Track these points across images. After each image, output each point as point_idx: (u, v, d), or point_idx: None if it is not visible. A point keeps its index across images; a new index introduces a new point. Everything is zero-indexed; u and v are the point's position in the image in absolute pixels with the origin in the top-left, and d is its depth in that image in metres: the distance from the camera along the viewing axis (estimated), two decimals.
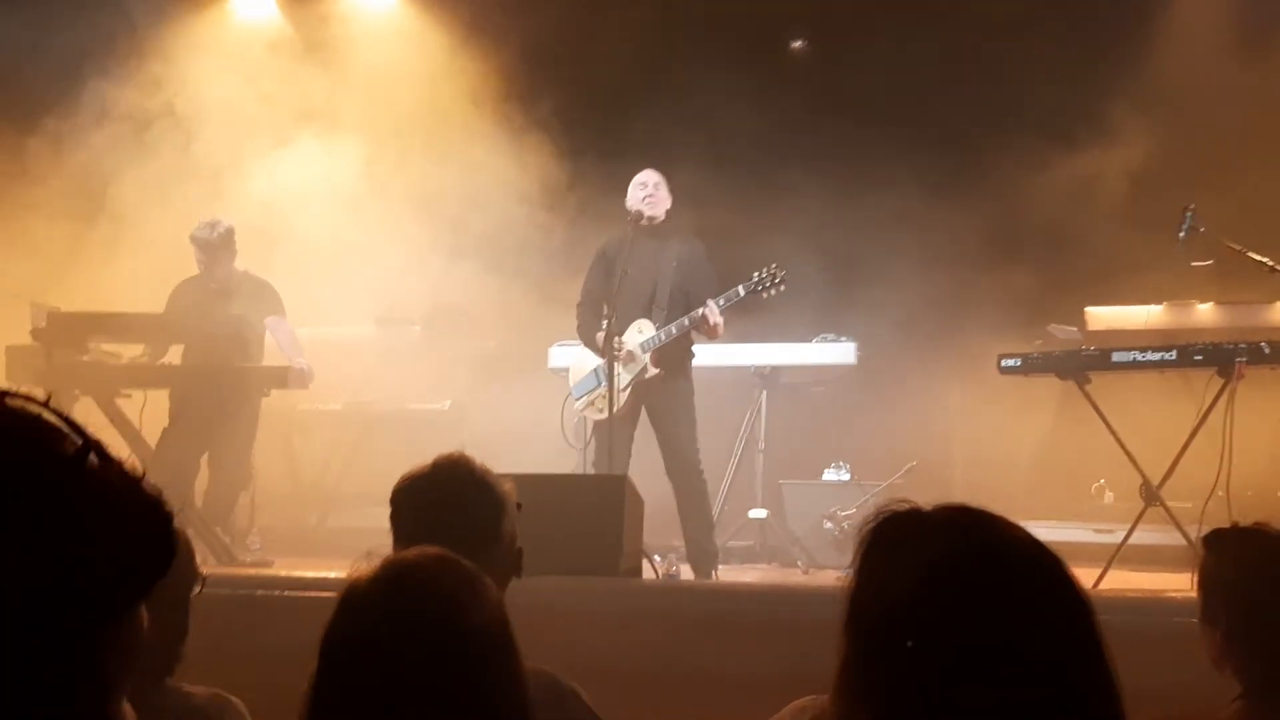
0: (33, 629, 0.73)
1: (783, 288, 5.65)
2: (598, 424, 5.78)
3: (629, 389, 5.71)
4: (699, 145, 7.25)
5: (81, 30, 7.47)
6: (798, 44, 8.82)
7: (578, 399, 5.94)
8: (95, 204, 7.45)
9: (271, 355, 6.42)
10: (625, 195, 5.95)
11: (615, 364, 5.56)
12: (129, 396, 5.92)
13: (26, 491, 0.74)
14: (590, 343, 5.83)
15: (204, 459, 6.19)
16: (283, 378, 6.05)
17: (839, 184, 7.33)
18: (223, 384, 6.00)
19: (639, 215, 5.77)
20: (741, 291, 5.65)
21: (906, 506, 1.24)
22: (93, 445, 0.78)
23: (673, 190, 5.96)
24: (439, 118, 7.93)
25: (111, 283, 6.95)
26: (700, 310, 5.58)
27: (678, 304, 5.70)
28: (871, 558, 1.23)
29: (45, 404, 0.80)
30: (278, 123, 7.83)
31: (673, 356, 5.72)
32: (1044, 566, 1.19)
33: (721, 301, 5.60)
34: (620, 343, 5.65)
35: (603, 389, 5.66)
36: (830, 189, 7.37)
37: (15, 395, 0.80)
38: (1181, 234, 5.28)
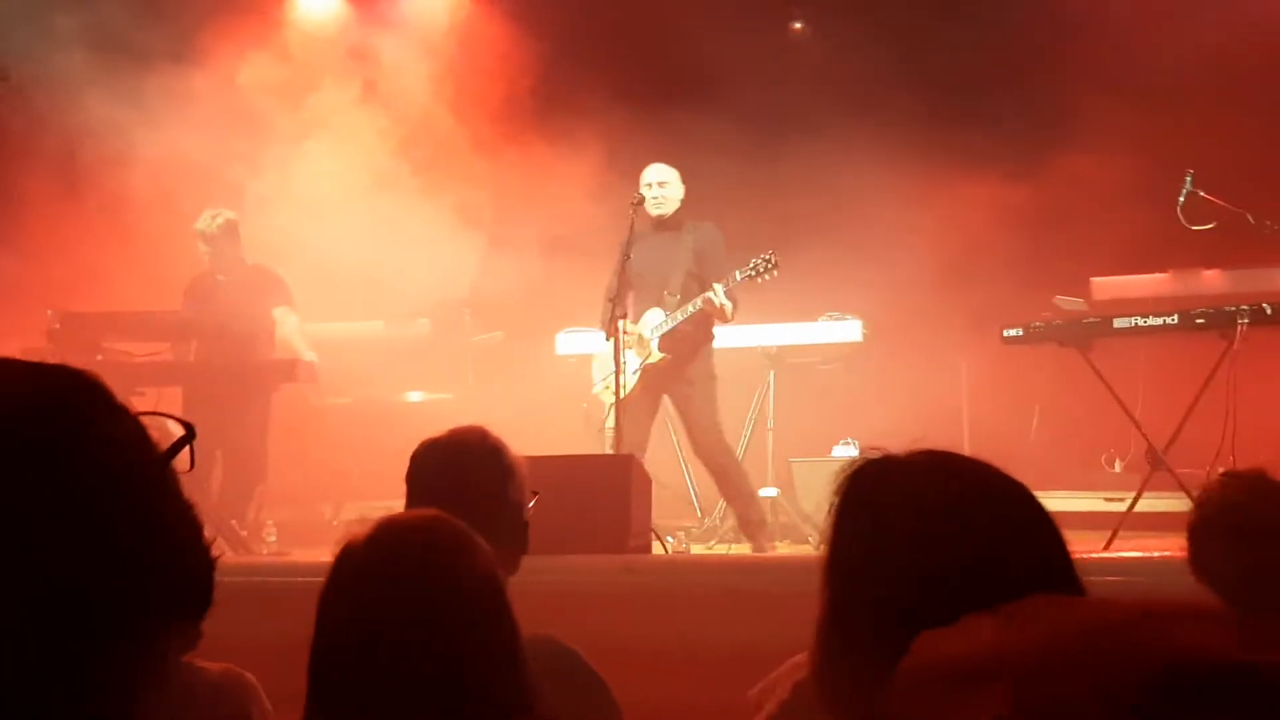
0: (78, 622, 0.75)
1: (776, 273, 5.79)
2: (613, 408, 5.88)
3: (638, 373, 5.81)
4: (699, 127, 7.27)
5: (92, 19, 7.50)
6: (798, 25, 8.84)
7: (597, 383, 6.07)
8: (112, 200, 7.49)
9: (279, 349, 6.49)
10: (631, 178, 6.10)
11: (622, 349, 5.69)
12: (143, 394, 5.98)
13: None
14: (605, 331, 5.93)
15: (217, 454, 6.25)
16: (291, 372, 6.11)
17: (842, 161, 7.34)
18: (234, 379, 6.07)
19: (649, 215, 5.93)
20: (738, 276, 5.80)
21: (879, 454, 1.27)
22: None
23: (682, 170, 6.08)
24: (445, 109, 7.96)
25: (127, 281, 7.01)
26: (706, 295, 5.73)
27: (690, 291, 5.86)
28: (849, 504, 1.26)
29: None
30: (293, 118, 7.85)
31: (684, 341, 5.85)
32: (1015, 496, 1.22)
33: (720, 288, 5.73)
34: (628, 329, 5.78)
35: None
36: (833, 166, 7.38)
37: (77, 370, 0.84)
38: (1181, 199, 5.29)
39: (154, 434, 0.83)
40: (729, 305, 5.77)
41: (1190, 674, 0.51)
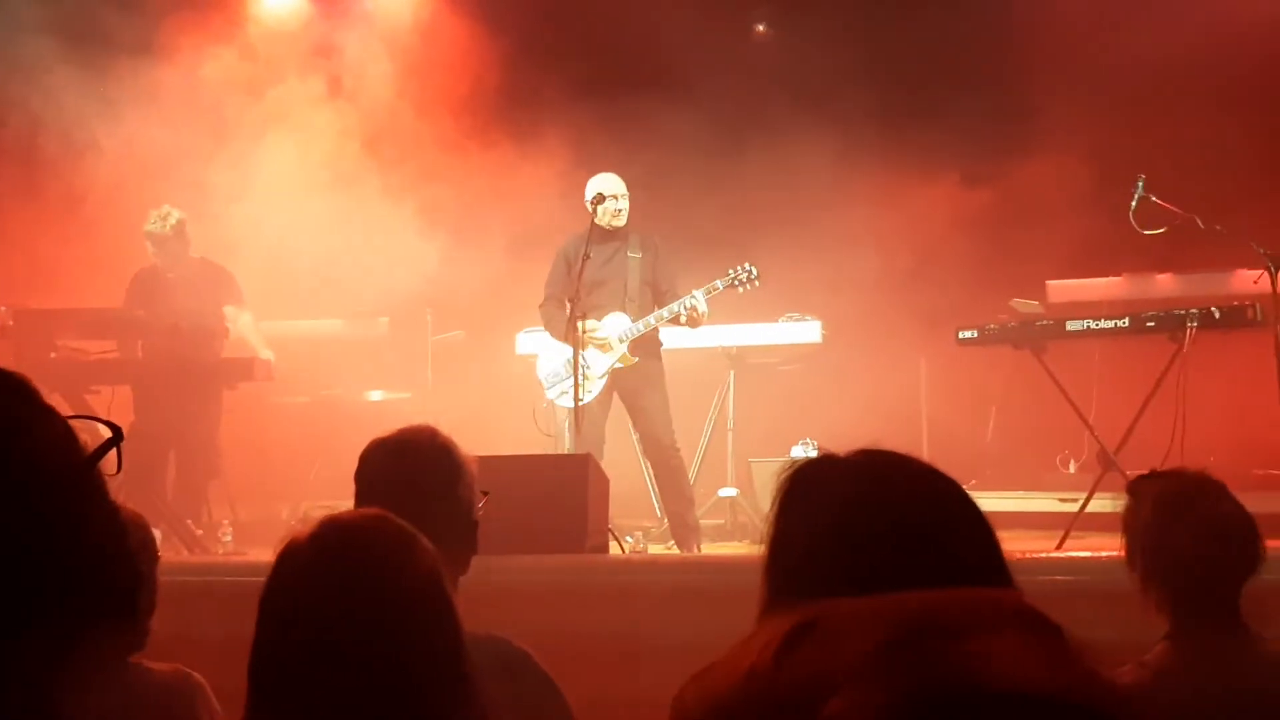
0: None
1: (757, 284, 5.99)
2: (572, 412, 5.91)
3: (605, 376, 5.89)
4: (661, 126, 7.30)
5: (52, 11, 7.42)
6: (761, 28, 8.89)
7: (550, 389, 6.08)
8: (70, 194, 7.40)
9: (236, 347, 6.44)
10: (584, 180, 6.12)
11: (584, 353, 5.78)
12: (98, 392, 5.92)
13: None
14: (561, 336, 5.94)
15: (171, 454, 6.20)
16: (249, 371, 6.07)
17: (802, 161, 7.38)
18: (187, 377, 6.02)
19: (607, 225, 5.99)
20: (719, 285, 5.98)
21: (820, 453, 1.29)
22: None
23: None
24: (408, 105, 7.93)
25: (86, 277, 6.94)
26: (687, 301, 5.88)
27: (646, 297, 6.03)
28: (789, 501, 1.28)
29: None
30: (254, 113, 7.80)
31: (646, 343, 6.00)
32: (949, 495, 1.24)
33: (701, 294, 5.87)
34: (588, 331, 5.85)
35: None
36: (794, 166, 7.42)
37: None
38: (1133, 204, 5.36)
39: (85, 436, 0.83)
40: (708, 310, 5.93)
41: (974, 700, 0.53)
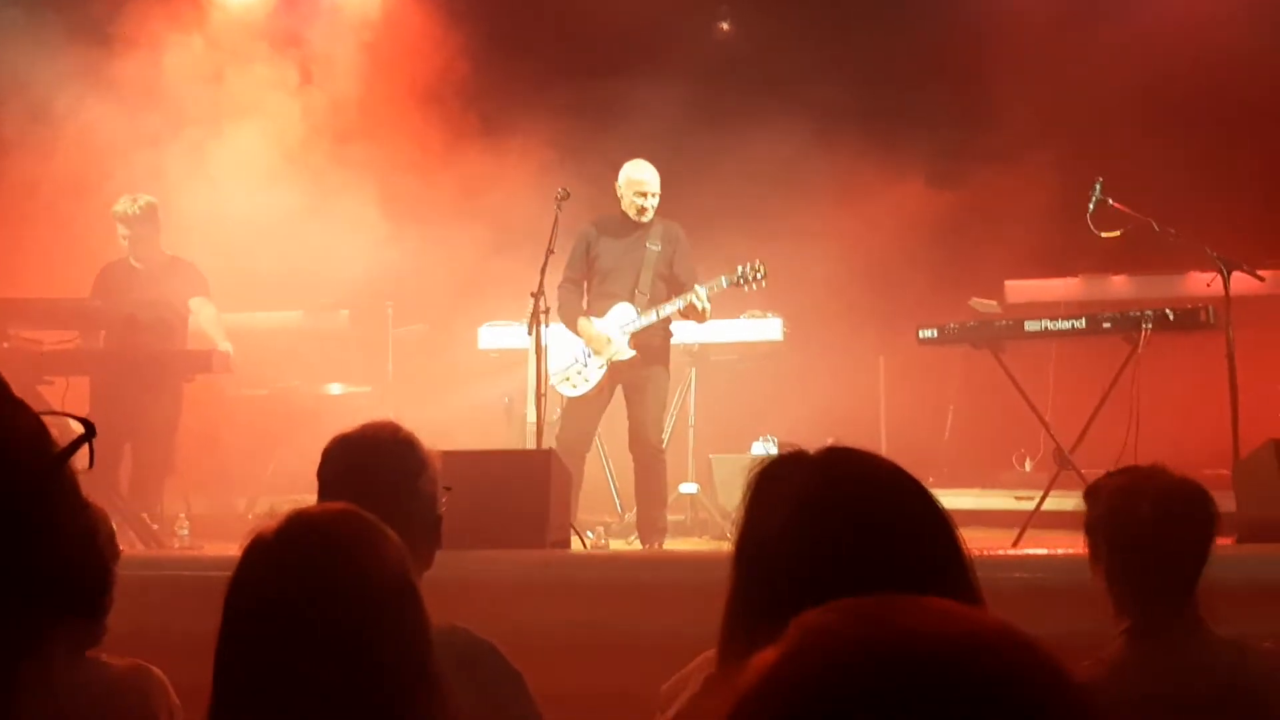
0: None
1: (764, 283, 5.87)
2: (570, 400, 5.94)
3: (604, 367, 5.88)
4: (626, 119, 7.30)
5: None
6: (724, 25, 8.91)
7: (552, 376, 6.03)
8: (18, 183, 7.30)
9: (195, 339, 6.38)
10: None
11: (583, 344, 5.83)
12: (51, 383, 5.84)
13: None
14: (571, 323, 5.93)
15: (126, 447, 6.13)
16: (207, 362, 6.01)
17: (763, 159, 7.41)
18: (146, 369, 5.96)
19: (634, 217, 5.92)
20: (724, 283, 5.88)
21: (790, 449, 1.31)
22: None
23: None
24: (372, 95, 7.88)
25: (38, 267, 6.85)
26: (687, 297, 5.77)
27: (659, 291, 5.93)
28: (756, 495, 1.30)
29: None
30: (215, 103, 7.72)
31: (652, 340, 5.91)
32: (912, 492, 1.26)
33: (704, 291, 5.77)
34: (585, 331, 5.88)
35: (578, 365, 5.83)
36: (753, 164, 7.45)
37: None
38: (1091, 206, 5.43)
39: (54, 431, 0.82)
40: (710, 307, 5.82)
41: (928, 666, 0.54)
